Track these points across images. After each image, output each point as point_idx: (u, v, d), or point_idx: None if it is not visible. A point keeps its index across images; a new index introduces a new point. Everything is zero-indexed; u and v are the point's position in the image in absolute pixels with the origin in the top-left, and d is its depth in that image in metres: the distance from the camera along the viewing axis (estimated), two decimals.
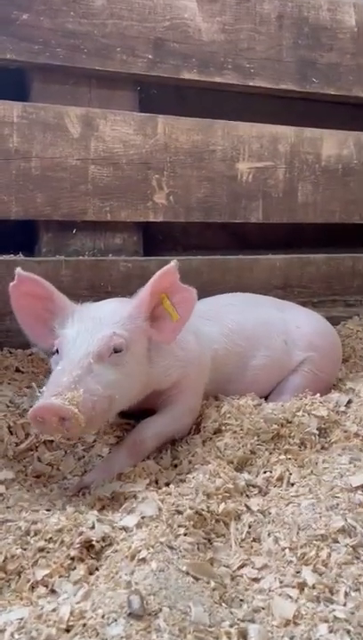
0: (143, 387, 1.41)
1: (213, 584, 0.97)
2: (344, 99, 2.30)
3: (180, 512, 1.14)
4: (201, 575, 0.98)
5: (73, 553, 1.02)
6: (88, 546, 1.04)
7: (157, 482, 1.33)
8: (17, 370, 1.83)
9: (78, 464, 1.46)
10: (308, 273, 2.28)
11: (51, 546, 1.03)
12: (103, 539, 1.06)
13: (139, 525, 1.10)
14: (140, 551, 0.99)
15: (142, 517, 1.12)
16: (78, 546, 1.03)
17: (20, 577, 0.98)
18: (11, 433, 1.49)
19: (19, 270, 1.37)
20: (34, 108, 1.87)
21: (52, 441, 1.52)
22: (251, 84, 2.13)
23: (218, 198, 2.13)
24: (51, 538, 1.04)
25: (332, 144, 2.28)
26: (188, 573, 0.97)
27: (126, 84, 2.03)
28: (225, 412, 1.56)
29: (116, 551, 1.03)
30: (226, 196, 2.14)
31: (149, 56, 1.98)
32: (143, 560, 0.98)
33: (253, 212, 2.19)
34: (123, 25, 1.94)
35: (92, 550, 1.04)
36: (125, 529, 1.09)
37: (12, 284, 1.40)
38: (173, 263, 1.36)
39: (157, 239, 2.25)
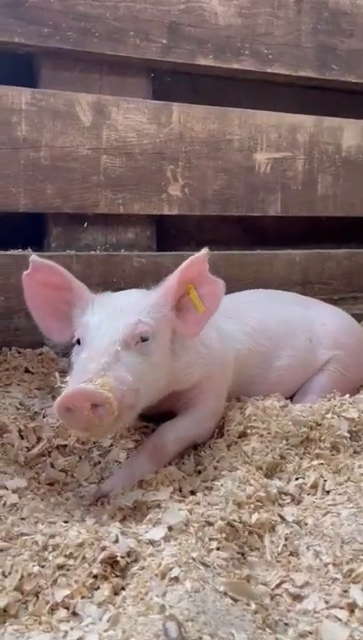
0: (167, 383, 1.31)
1: (253, 606, 0.87)
2: None
3: (210, 523, 1.04)
4: (240, 596, 0.88)
5: (96, 570, 0.92)
6: (112, 562, 0.94)
7: (181, 490, 1.23)
8: (26, 370, 1.74)
9: (94, 470, 1.36)
10: (328, 268, 2.18)
11: (71, 562, 0.93)
12: (128, 554, 0.96)
13: (166, 539, 1.00)
14: (171, 568, 0.89)
15: (170, 529, 1.02)
16: (101, 562, 0.93)
17: (37, 598, 0.88)
18: (21, 437, 1.39)
19: (34, 257, 1.28)
20: (43, 94, 1.77)
21: (65, 445, 1.43)
22: (269, 70, 2.04)
23: (235, 190, 2.04)
24: (71, 553, 0.94)
25: (352, 134, 2.18)
26: (226, 594, 0.87)
27: (139, 70, 1.93)
28: (250, 415, 1.46)
29: (144, 568, 0.93)
30: (243, 188, 2.05)
31: (164, 41, 1.89)
32: (176, 579, 0.88)
33: (271, 204, 2.10)
34: (136, 8, 1.85)
35: (116, 567, 0.94)
36: (151, 543, 0.99)
37: (25, 272, 1.31)
38: (204, 252, 1.27)
39: (171, 234, 2.15)
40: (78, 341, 1.25)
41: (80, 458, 1.40)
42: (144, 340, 1.22)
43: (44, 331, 1.38)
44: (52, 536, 0.97)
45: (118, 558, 0.94)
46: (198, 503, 1.10)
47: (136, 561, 0.96)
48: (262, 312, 1.63)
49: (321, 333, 1.70)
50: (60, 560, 0.93)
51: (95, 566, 0.93)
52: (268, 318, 1.63)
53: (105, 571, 0.93)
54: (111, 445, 1.43)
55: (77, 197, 1.84)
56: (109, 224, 1.95)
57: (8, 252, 1.80)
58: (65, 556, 0.94)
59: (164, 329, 1.29)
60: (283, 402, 1.54)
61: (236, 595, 0.88)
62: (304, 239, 2.27)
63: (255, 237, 2.32)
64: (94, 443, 1.44)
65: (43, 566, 0.92)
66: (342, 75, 2.14)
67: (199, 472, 1.32)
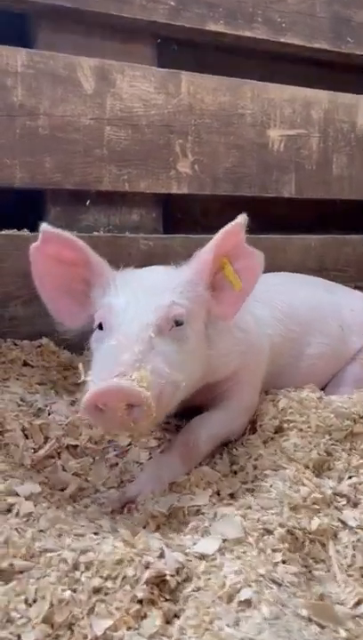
0: (202, 374, 1.13)
1: (343, 634, 0.70)
2: None
3: (269, 531, 0.87)
4: (326, 621, 0.71)
5: (141, 594, 0.74)
6: (159, 582, 0.77)
7: (218, 493, 1.06)
8: (25, 364, 1.54)
9: (112, 473, 1.19)
10: (345, 254, 2.04)
11: (109, 585, 0.75)
12: (177, 571, 0.78)
13: (222, 551, 0.83)
14: (239, 589, 0.72)
15: (224, 540, 0.84)
16: (147, 583, 0.75)
17: (72, 631, 0.70)
18: (26, 437, 1.21)
19: (45, 226, 1.10)
20: (41, 56, 1.59)
21: (76, 446, 1.24)
22: (282, 40, 1.89)
23: (247, 169, 1.88)
24: (109, 575, 0.76)
25: None
26: (310, 620, 0.70)
27: (144, 36, 1.77)
28: (285, 408, 1.30)
29: (201, 589, 0.76)
30: (256, 167, 1.89)
31: (172, 3, 1.72)
32: (247, 602, 0.70)
33: (285, 185, 1.95)
34: None
35: (164, 588, 0.77)
36: (203, 557, 0.82)
37: (34, 244, 1.12)
38: (241, 219, 1.10)
39: (176, 217, 1.98)
40: (100, 326, 1.07)
41: (94, 459, 1.22)
42: (178, 324, 1.06)
43: (54, 314, 1.19)
44: (84, 552, 0.78)
45: (167, 577, 0.76)
46: (250, 507, 0.93)
47: (188, 580, 0.78)
48: (290, 296, 1.48)
49: (351, 320, 1.56)
50: (96, 582, 0.75)
51: (139, 588, 0.75)
52: (298, 302, 1.47)
53: (152, 593, 0.75)
54: (130, 445, 1.25)
55: (79, 172, 1.66)
56: (113, 204, 1.77)
57: (2, 232, 1.61)
58: (101, 576, 0.76)
59: (198, 311, 1.12)
60: (318, 393, 1.38)
61: (321, 620, 0.71)
62: (317, 226, 2.13)
63: (265, 223, 2.16)
64: (109, 442, 1.26)
65: (75, 590, 0.74)
66: (357, 48, 2.01)
67: (235, 472, 1.15)
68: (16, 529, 0.81)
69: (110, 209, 1.77)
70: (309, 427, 1.24)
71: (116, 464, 1.21)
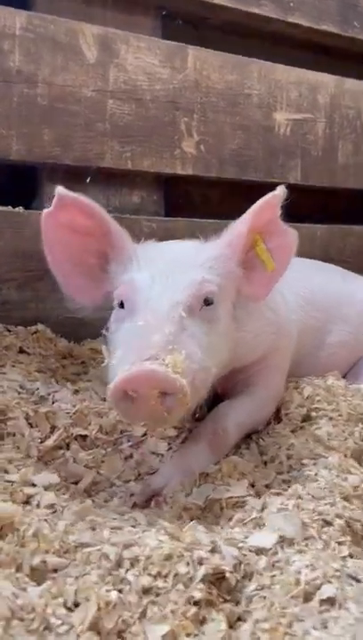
0: (229, 359, 1.03)
1: None
2: None
3: (328, 523, 0.77)
4: None
5: (198, 594, 0.63)
6: (217, 579, 0.65)
7: (253, 485, 0.95)
8: (21, 351, 1.41)
9: (127, 465, 1.06)
10: (350, 244, 1.97)
11: (160, 584, 0.63)
12: (235, 567, 0.67)
13: (280, 544, 0.72)
14: (319, 586, 0.61)
15: (280, 535, 0.74)
16: (203, 581, 0.64)
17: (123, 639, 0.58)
18: (30, 425, 1.08)
19: (60, 189, 0.98)
20: (42, 20, 1.47)
21: (85, 436, 1.12)
22: (290, 19, 1.82)
23: (254, 152, 1.80)
24: (159, 572, 0.64)
25: None
26: None
27: (148, 8, 1.67)
28: (311, 395, 1.20)
29: (265, 587, 0.65)
30: (262, 150, 1.81)
31: None
32: (330, 601, 0.60)
33: (291, 171, 1.87)
34: None
35: (223, 587, 0.65)
36: (261, 551, 0.71)
37: (46, 210, 1.01)
38: (280, 190, 1.00)
39: (176, 203, 1.88)
40: (122, 305, 0.96)
41: (106, 451, 1.10)
42: (208, 303, 0.96)
43: (67, 290, 1.08)
44: (127, 546, 0.66)
45: (226, 574, 0.65)
46: (301, 497, 0.83)
47: (248, 577, 0.67)
48: (310, 281, 1.38)
49: None
50: (145, 581, 0.63)
51: (195, 587, 0.63)
52: (318, 288, 1.38)
53: (210, 593, 0.64)
54: (145, 435, 1.13)
55: (80, 147, 1.54)
56: (112, 184, 1.66)
57: None
58: (150, 574, 0.64)
59: (229, 289, 1.02)
60: (343, 381, 1.29)
61: None
62: (321, 215, 2.06)
63: None
64: (122, 432, 1.14)
65: (121, 591, 0.62)
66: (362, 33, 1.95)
67: (265, 463, 1.05)
68: (45, 520, 0.69)
69: (110, 189, 1.66)
70: (340, 415, 1.15)
71: (131, 455, 1.09)
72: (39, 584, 0.61)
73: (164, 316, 0.88)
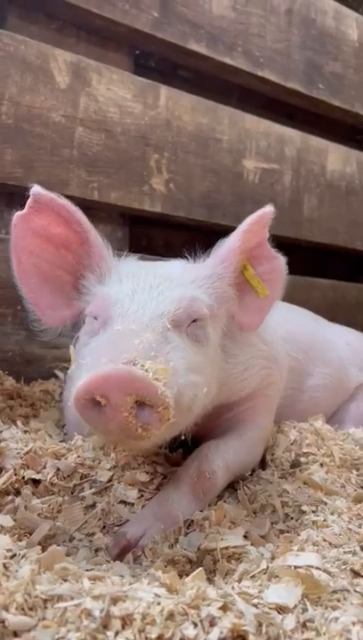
0: (216, 392, 0.90)
1: None
2: (345, 114, 2.09)
3: (357, 573, 0.62)
4: None
5: None
6: None
7: (245, 536, 0.79)
8: None
9: (90, 515, 0.88)
10: (314, 298, 1.91)
11: None
12: (258, 628, 0.51)
13: (303, 600, 0.56)
14: None
15: (303, 586, 0.58)
16: None
17: None
18: None
19: (36, 189, 0.86)
20: (12, 39, 1.40)
21: (38, 481, 0.93)
22: (260, 73, 1.84)
23: (222, 196, 1.75)
24: (160, 636, 0.47)
25: (336, 158, 2.03)
26: None
27: (121, 45, 1.64)
28: (298, 439, 1.07)
29: None
30: (231, 195, 1.76)
31: (155, 14, 1.62)
32: None
33: None
34: None
35: None
36: (281, 609, 0.55)
37: (19, 213, 0.88)
38: (269, 208, 0.92)
39: (140, 244, 1.78)
40: (96, 318, 0.83)
41: (62, 498, 0.91)
42: (196, 322, 0.84)
43: (33, 307, 0.93)
44: (115, 600, 0.49)
45: (250, 638, 0.49)
46: (316, 544, 0.68)
47: None
48: (287, 322, 1.29)
49: (349, 353, 1.39)
50: None
51: None
52: (296, 329, 1.29)
53: None
54: (110, 481, 0.96)
55: (44, 171, 1.43)
56: None
57: None
58: (148, 638, 0.47)
59: (221, 313, 0.92)
60: (328, 425, 1.17)
61: None
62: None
63: None
64: (83, 477, 0.96)
65: None
66: (327, 96, 2.00)
67: (255, 512, 0.89)
68: (3, 564, 0.50)
69: None
70: (331, 460, 1.02)
71: (94, 505, 0.91)
72: None
73: (145, 324, 0.76)
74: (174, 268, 0.93)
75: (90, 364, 0.71)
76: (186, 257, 0.99)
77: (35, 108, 1.42)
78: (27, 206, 0.88)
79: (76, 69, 1.49)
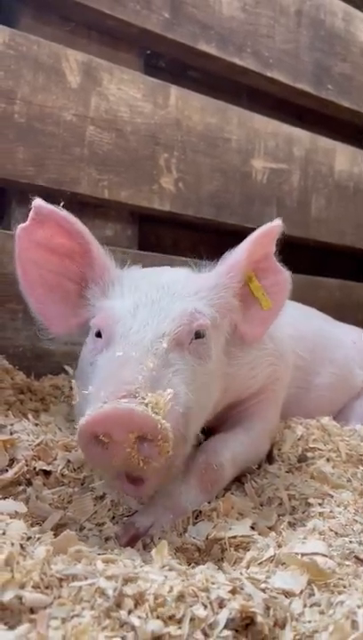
0: (220, 397, 0.92)
1: None
2: (354, 115, 2.10)
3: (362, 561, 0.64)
4: None
5: None
6: (244, 627, 0.50)
7: (252, 527, 0.81)
8: None
9: (100, 506, 0.90)
10: (321, 298, 1.92)
11: (174, 631, 0.48)
12: (266, 611, 0.52)
13: (310, 587, 0.58)
14: None
15: (309, 573, 0.59)
16: (227, 627, 0.49)
17: None
18: None
19: (38, 201, 0.88)
20: (25, 39, 1.42)
21: (49, 472, 0.95)
22: (269, 74, 1.85)
23: (231, 195, 1.77)
24: (172, 616, 0.49)
25: (344, 159, 2.04)
26: None
27: (132, 45, 1.66)
28: (304, 435, 1.09)
29: (303, 637, 0.50)
30: (239, 194, 1.78)
31: (166, 15, 1.64)
32: None
33: (265, 217, 1.81)
34: None
35: (251, 635, 0.50)
36: (287, 594, 0.56)
37: (21, 225, 0.89)
38: (277, 223, 0.93)
39: (150, 242, 1.80)
40: (99, 334, 0.85)
41: (73, 489, 0.93)
42: (199, 337, 0.86)
43: (39, 317, 0.95)
44: (128, 580, 0.51)
45: (258, 618, 0.50)
46: (322, 533, 0.69)
47: (280, 624, 0.52)
48: (294, 320, 1.30)
49: (355, 352, 1.40)
50: (155, 625, 0.48)
51: (219, 636, 0.48)
52: (304, 327, 1.30)
53: None
54: None
55: (55, 169, 1.45)
56: (86, 214, 1.55)
57: None
58: (161, 618, 0.48)
59: (224, 324, 0.93)
60: (334, 421, 1.19)
61: None
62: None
63: None
64: (92, 469, 0.98)
65: (124, 638, 0.46)
66: (336, 97, 2.01)
67: (261, 505, 0.91)
68: (20, 545, 0.52)
69: (82, 219, 1.51)
70: (338, 456, 1.03)
71: (103, 496, 0.93)
72: (12, 628, 0.45)
73: (146, 347, 0.77)
74: (178, 277, 0.94)
75: (92, 398, 0.73)
76: (193, 262, 1.00)
77: (47, 107, 1.44)
78: (29, 218, 0.90)
79: (87, 69, 1.51)
